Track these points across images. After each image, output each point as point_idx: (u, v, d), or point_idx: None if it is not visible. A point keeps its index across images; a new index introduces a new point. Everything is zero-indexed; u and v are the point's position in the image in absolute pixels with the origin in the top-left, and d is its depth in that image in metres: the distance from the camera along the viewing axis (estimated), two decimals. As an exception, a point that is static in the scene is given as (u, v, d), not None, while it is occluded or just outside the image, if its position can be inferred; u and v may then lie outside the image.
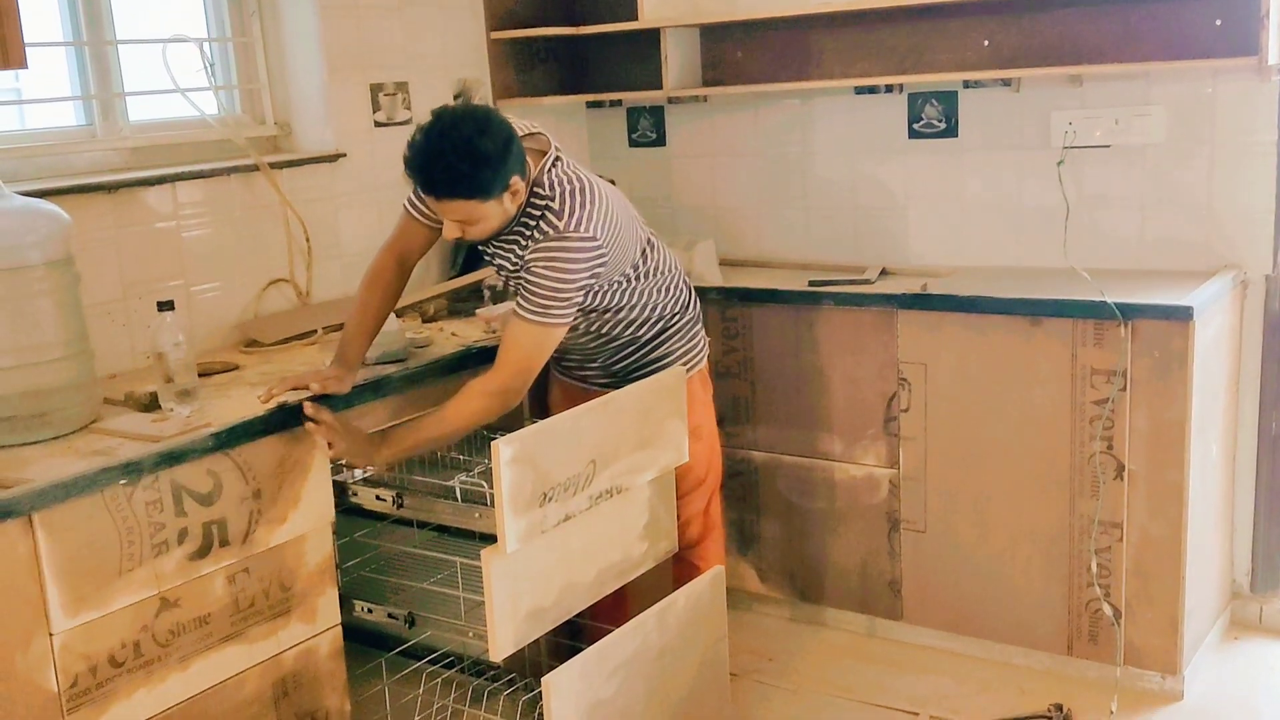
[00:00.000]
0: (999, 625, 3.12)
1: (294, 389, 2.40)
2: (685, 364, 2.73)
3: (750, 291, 3.32)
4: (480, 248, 2.61)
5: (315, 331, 2.96)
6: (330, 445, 2.36)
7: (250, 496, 2.28)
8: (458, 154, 2.28)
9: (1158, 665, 2.93)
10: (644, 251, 2.63)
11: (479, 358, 2.80)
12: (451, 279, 3.36)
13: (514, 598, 2.27)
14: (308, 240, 3.12)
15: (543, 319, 2.41)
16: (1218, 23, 2.91)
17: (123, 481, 2.05)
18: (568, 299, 2.41)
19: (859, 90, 3.52)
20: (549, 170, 2.46)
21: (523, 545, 2.26)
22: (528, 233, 2.46)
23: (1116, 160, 3.20)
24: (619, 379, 2.70)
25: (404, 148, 2.34)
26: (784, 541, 3.40)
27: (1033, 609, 3.05)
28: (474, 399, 2.41)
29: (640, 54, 3.62)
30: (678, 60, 3.60)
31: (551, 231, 2.39)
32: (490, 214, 2.38)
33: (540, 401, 2.92)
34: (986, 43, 3.24)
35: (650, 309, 2.67)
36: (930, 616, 3.22)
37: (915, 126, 3.49)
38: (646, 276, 2.63)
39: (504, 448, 2.17)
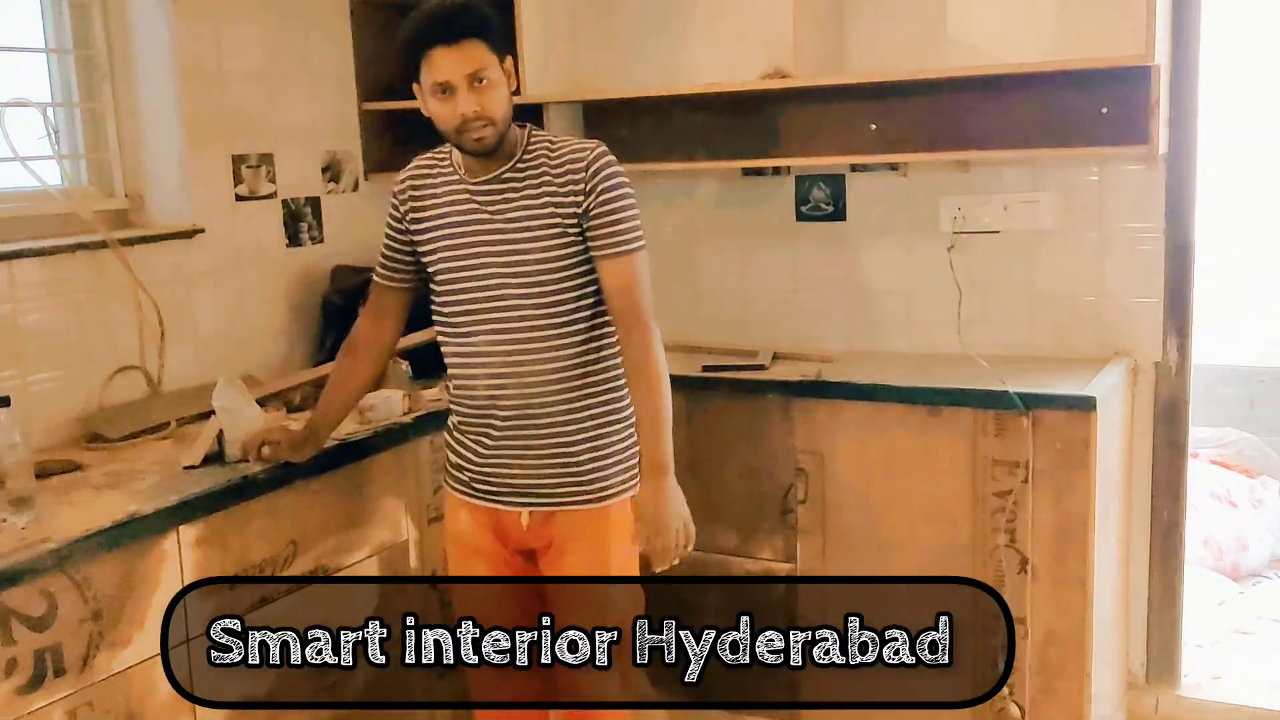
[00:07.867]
0: (902, 726, 3.00)
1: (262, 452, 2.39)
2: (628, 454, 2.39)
3: (642, 378, 3.17)
4: (473, 202, 2.30)
5: (169, 424, 2.69)
6: None
7: (89, 618, 2.00)
8: None
9: (1063, 764, 2.85)
10: None
11: (353, 451, 2.58)
12: (319, 365, 3.13)
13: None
14: (160, 323, 2.84)
15: (641, 241, 2.27)
16: (1103, 110, 2.92)
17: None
18: (638, 215, 2.29)
19: (746, 172, 3.45)
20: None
21: None
22: (538, 167, 2.27)
23: (1006, 246, 3.19)
24: (537, 465, 2.31)
25: (399, 33, 2.22)
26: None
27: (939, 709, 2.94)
28: (655, 354, 2.26)
29: (521, 130, 3.48)
30: (561, 137, 3.47)
31: (588, 155, 2.25)
32: (499, 80, 2.22)
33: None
34: (874, 126, 3.20)
35: (600, 315, 2.32)
36: (831, 718, 3.08)
37: (803, 209, 3.43)
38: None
39: None
